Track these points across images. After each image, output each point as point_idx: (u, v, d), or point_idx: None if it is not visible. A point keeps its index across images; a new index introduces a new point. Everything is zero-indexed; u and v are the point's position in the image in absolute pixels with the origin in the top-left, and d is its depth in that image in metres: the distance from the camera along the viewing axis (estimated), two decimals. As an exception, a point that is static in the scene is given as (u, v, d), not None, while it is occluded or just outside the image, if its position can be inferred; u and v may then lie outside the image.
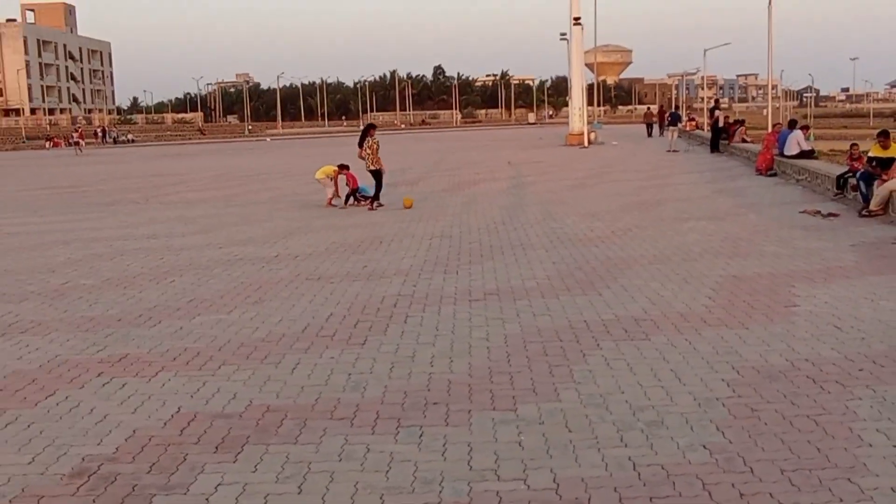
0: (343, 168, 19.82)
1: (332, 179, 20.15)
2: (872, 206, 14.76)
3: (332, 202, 19.89)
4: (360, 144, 19.60)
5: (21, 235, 15.59)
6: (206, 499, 4.47)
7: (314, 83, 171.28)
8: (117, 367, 6.94)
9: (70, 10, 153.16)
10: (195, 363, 7.02)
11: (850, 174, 17.34)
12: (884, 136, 16.98)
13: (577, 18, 47.22)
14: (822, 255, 11.19)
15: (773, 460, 4.70)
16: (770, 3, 42.31)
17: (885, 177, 15.07)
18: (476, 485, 4.56)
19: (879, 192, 14.78)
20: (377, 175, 19.09)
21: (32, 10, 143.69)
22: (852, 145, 20.78)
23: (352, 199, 19.47)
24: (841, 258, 10.91)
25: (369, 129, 20.16)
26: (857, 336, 7.19)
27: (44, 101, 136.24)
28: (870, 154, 16.66)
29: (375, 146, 19.12)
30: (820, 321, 7.72)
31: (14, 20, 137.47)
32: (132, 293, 9.92)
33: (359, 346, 7.44)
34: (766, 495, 4.29)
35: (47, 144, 77.07)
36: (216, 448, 5.17)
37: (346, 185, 19.83)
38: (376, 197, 19.11)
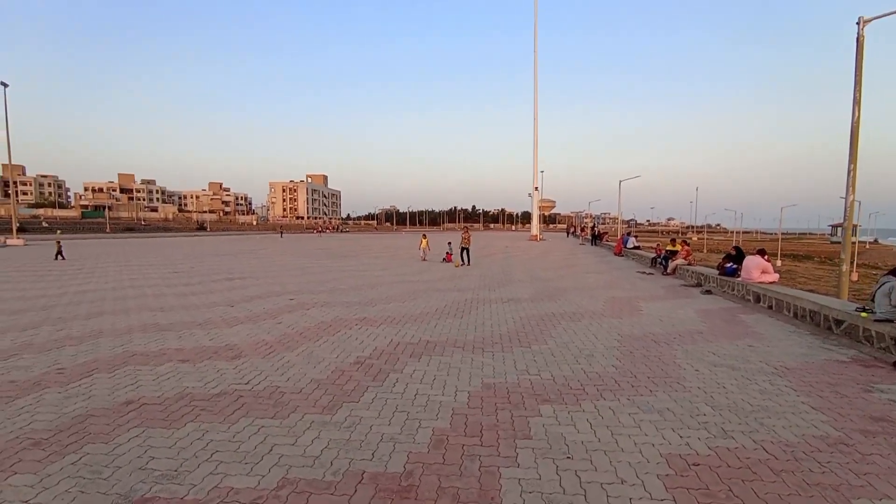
0: (447, 253, 18.74)
1: (424, 248, 19.71)
2: (669, 271, 14.46)
3: (425, 258, 19.19)
4: (463, 235, 18.26)
5: (310, 267, 16.06)
6: (410, 375, 4.67)
7: (423, 210, 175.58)
8: (363, 322, 7.10)
9: (325, 178, 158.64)
10: (394, 322, 7.13)
11: (657, 256, 16.97)
12: (672, 241, 16.82)
13: (536, 187, 47.37)
14: (649, 290, 10.98)
15: (643, 372, 4.74)
16: (620, 184, 42.14)
17: (673, 258, 14.81)
18: (521, 376, 4.65)
19: (671, 265, 14.49)
20: (467, 250, 17.67)
21: (310, 177, 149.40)
22: (657, 244, 20.41)
23: (455, 260, 17.92)
24: (657, 292, 10.71)
25: (466, 229, 19.35)
26: (670, 324, 7.09)
27: (312, 213, 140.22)
28: (667, 248, 16.36)
29: (468, 236, 18.16)
30: (653, 317, 7.62)
31: (303, 181, 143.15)
32: (361, 293, 10.15)
33: (459, 318, 7.49)
34: (644, 386, 4.34)
35: (313, 231, 79.07)
36: (410, 355, 5.34)
37: (446, 255, 18.70)
38: (468, 262, 17.19)
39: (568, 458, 3.05)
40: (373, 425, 3.52)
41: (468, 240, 18.04)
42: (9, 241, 30.99)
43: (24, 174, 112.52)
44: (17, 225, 35.63)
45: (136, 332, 6.47)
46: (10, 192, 39.28)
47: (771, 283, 9.02)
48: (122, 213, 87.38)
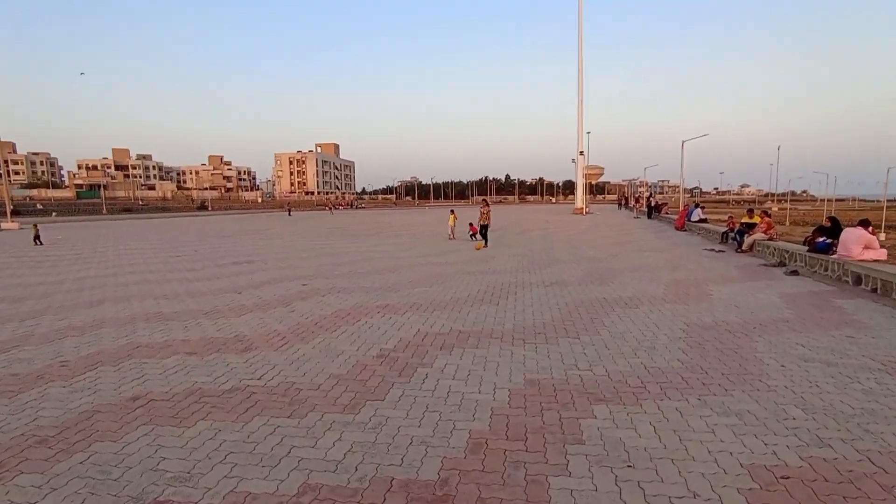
0: (471, 224, 18.40)
1: (452, 225, 19.50)
2: (744, 247, 13.91)
3: (454, 236, 19.05)
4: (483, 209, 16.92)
5: (324, 248, 16.35)
6: (441, 370, 4.70)
7: (449, 181, 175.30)
8: (385, 310, 7.20)
9: (336, 147, 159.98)
10: (421, 309, 7.21)
11: (729, 230, 16.37)
12: (749, 212, 16.07)
13: (581, 151, 46.20)
14: (720, 271, 10.61)
15: (716, 368, 4.60)
16: (683, 145, 40.52)
17: (750, 232, 14.20)
18: (570, 371, 4.61)
19: (748, 240, 13.93)
20: (486, 228, 16.49)
21: (320, 147, 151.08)
22: (729, 216, 19.76)
23: (476, 238, 17.62)
24: (731, 273, 10.32)
25: (485, 202, 17.47)
26: (748, 311, 6.83)
27: (322, 188, 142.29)
28: (743, 220, 15.72)
29: (488, 211, 16.72)
30: (726, 303, 7.37)
31: (312, 151, 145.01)
32: (382, 276, 10.28)
33: (495, 305, 7.49)
34: (717, 384, 4.22)
35: (325, 208, 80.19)
36: (440, 348, 5.38)
37: (470, 227, 18.42)
38: (485, 244, 16.11)
39: (629, 466, 2.99)
40: (401, 426, 3.56)
41: (488, 215, 16.61)
42: (3, 225, 32.96)
43: (14, 152, 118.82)
44: (11, 208, 37.80)
45: (139, 322, 6.78)
46: (0, 171, 41.54)
47: (876, 260, 8.51)
48: (119, 193, 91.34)
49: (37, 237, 20.44)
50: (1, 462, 3.19)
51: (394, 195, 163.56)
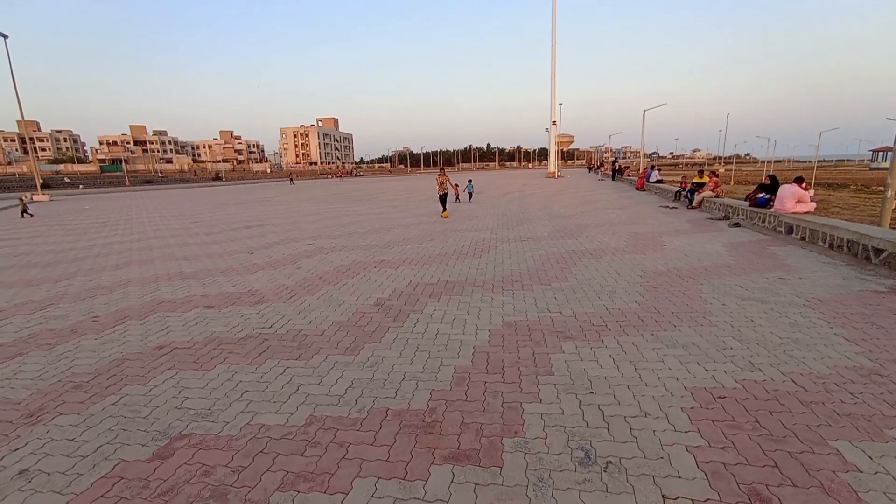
0: (455, 186, 18.03)
1: (442, 188, 18.96)
2: (694, 204, 13.91)
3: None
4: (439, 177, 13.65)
5: (325, 212, 16.01)
6: (430, 315, 4.67)
7: (437, 150, 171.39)
8: (381, 265, 7.11)
9: (336, 121, 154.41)
10: (413, 263, 7.13)
11: (681, 189, 16.31)
12: (700, 173, 15.94)
13: (554, 122, 45.09)
14: (673, 224, 10.59)
15: (667, 308, 4.63)
16: (644, 114, 39.67)
17: (700, 191, 14.17)
18: (542, 314, 4.62)
19: (697, 198, 13.92)
20: (445, 197, 13.45)
21: (321, 121, 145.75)
22: (682, 177, 19.61)
23: (458, 199, 17.64)
24: (683, 226, 10.31)
25: (442, 171, 14.05)
26: (696, 258, 6.85)
27: (324, 158, 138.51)
28: (693, 180, 15.63)
29: (444, 180, 13.58)
30: (677, 252, 7.37)
31: (314, 125, 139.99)
32: (379, 235, 10.11)
33: (477, 258, 7.42)
34: (668, 322, 4.25)
35: (331, 176, 78.26)
36: (429, 296, 5.34)
37: (454, 189, 17.63)
38: (444, 209, 13.30)
39: (591, 392, 3.05)
40: (395, 365, 3.57)
41: (444, 185, 13.54)
42: (35, 198, 31.78)
43: (39, 130, 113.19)
44: (41, 181, 36.34)
45: (162, 281, 6.66)
46: (28, 148, 39.64)
47: (806, 212, 8.56)
48: (139, 166, 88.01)
49: (24, 211, 18.41)
50: (41, 406, 3.16)
51: (388, 164, 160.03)
